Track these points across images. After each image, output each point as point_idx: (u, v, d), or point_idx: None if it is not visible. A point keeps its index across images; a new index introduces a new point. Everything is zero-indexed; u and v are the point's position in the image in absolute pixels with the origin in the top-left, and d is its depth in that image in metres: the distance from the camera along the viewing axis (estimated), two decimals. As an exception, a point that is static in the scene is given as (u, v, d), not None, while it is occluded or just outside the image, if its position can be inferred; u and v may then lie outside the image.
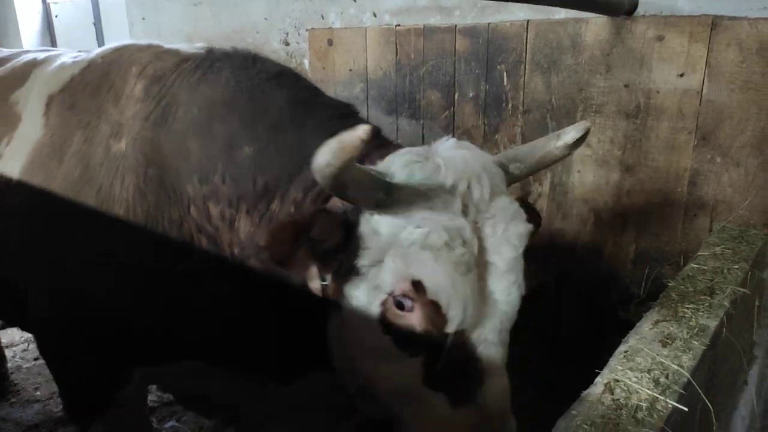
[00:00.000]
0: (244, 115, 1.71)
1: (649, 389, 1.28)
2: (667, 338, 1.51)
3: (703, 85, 2.43)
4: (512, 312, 1.43)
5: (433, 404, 1.41)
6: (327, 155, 1.15)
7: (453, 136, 3.03)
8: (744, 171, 2.39)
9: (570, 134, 1.51)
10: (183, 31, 4.79)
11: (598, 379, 1.35)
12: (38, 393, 3.53)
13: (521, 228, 1.42)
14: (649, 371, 1.35)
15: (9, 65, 2.23)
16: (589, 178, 2.77)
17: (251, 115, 1.70)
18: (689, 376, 1.34)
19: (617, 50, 2.59)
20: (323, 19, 3.78)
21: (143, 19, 5.15)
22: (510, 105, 2.93)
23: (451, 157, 1.42)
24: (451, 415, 1.39)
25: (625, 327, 2.65)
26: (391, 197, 1.33)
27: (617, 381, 1.32)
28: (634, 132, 2.62)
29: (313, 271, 1.46)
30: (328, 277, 1.46)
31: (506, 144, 2.99)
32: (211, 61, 1.84)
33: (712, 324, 1.59)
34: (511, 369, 1.47)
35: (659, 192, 2.61)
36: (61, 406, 3.36)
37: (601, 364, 1.45)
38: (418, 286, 1.34)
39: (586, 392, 1.29)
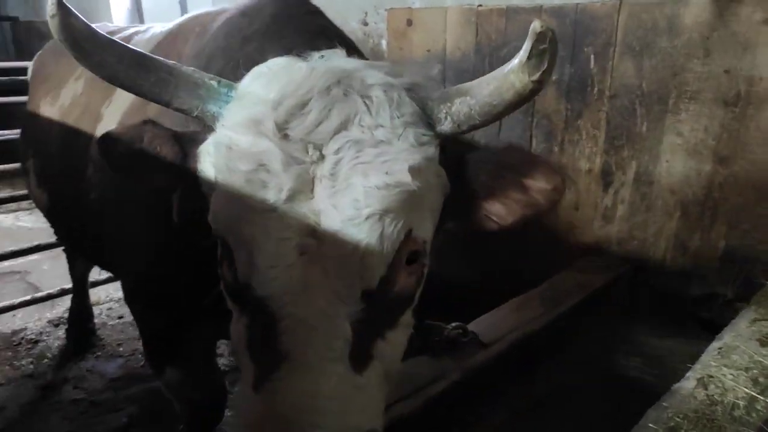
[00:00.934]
0: (230, 30, 1.68)
1: (746, 387, 1.22)
2: (766, 337, 1.42)
3: (814, 73, 2.25)
4: (343, 289, 1.05)
5: (245, 376, 1.10)
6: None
7: (532, 121, 2.95)
8: None
9: (522, 48, 1.01)
10: (264, 9, 4.89)
11: (689, 373, 1.29)
12: (121, 349, 3.77)
13: (374, 180, 1.03)
14: (746, 369, 1.28)
15: (115, 37, 2.39)
16: (678, 168, 2.63)
17: (236, 29, 1.66)
18: (792, 379, 1.26)
19: (718, 33, 2.43)
20: (403, -2, 3.76)
21: (226, -3, 5.29)
22: (596, 89, 2.82)
23: (302, 67, 1.15)
24: (248, 395, 1.06)
25: (706, 326, 2.54)
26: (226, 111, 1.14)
27: (711, 377, 1.26)
28: (731, 121, 2.46)
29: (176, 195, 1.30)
30: None
31: (589, 130, 2.89)
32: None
33: (817, 327, 1.48)
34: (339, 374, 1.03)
35: (755, 186, 2.45)
36: (142, 363, 3.59)
37: (678, 360, 1.38)
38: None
39: (677, 386, 1.24)
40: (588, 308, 2.66)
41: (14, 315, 4.17)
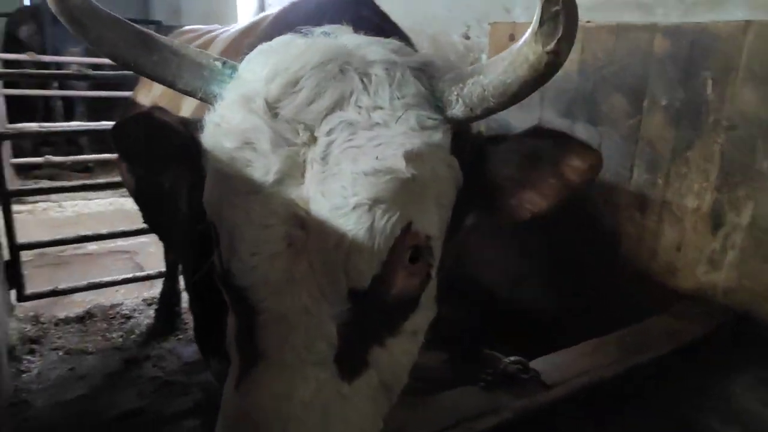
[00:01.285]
0: (280, 19, 1.66)
1: None
2: None
3: None
4: (328, 286, 0.96)
5: (232, 371, 1.02)
6: None
7: (635, 148, 2.71)
8: None
9: (534, 15, 0.88)
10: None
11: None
12: (200, 335, 3.96)
13: (363, 165, 0.93)
14: None
15: (203, 38, 2.58)
16: (803, 214, 2.28)
17: (284, 18, 1.63)
18: None
19: None
20: (508, 12, 3.63)
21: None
22: (711, 118, 2.52)
23: (300, 44, 1.09)
24: (230, 392, 0.99)
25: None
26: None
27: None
28: None
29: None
30: None
31: (700, 164, 2.59)
32: None
33: None
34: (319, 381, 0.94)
35: None
36: (216, 351, 3.74)
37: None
38: None
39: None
40: (679, 358, 2.37)
41: (117, 290, 4.54)
